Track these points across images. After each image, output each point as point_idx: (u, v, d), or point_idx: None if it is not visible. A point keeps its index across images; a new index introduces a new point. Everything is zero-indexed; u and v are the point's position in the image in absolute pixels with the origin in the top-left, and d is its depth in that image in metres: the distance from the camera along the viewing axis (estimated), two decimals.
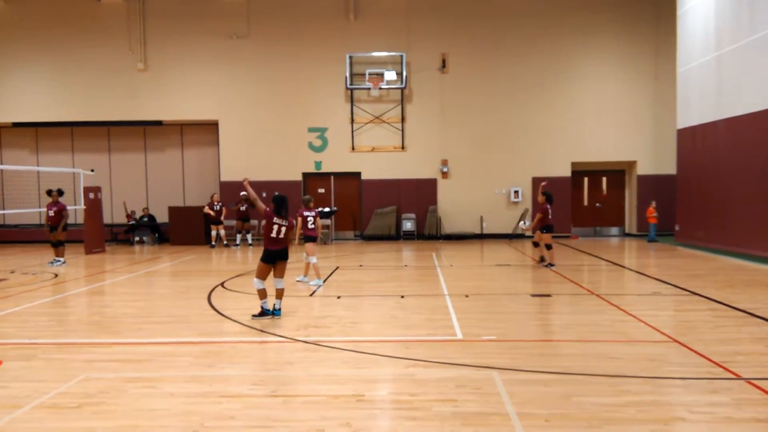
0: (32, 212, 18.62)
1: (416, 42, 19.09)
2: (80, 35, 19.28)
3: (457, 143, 19.29)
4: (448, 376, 5.08)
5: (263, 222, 7.59)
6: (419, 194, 19.32)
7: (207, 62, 19.31)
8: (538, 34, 19.07)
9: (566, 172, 19.23)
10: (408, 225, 19.15)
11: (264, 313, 7.46)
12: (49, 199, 13.89)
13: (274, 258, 7.47)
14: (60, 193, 14.02)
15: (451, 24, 19.12)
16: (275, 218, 7.47)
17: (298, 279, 10.63)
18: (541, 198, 12.33)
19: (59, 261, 13.61)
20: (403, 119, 19.31)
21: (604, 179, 20.02)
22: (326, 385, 4.92)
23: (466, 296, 8.93)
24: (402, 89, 19.01)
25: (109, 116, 19.43)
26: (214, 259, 14.86)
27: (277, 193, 7.78)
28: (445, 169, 19.27)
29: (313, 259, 10.29)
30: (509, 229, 19.25)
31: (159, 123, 19.66)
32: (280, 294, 7.62)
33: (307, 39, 19.19)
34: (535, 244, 12.71)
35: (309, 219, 10.31)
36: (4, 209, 18.10)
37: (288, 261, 7.69)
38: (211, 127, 19.79)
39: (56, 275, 11.99)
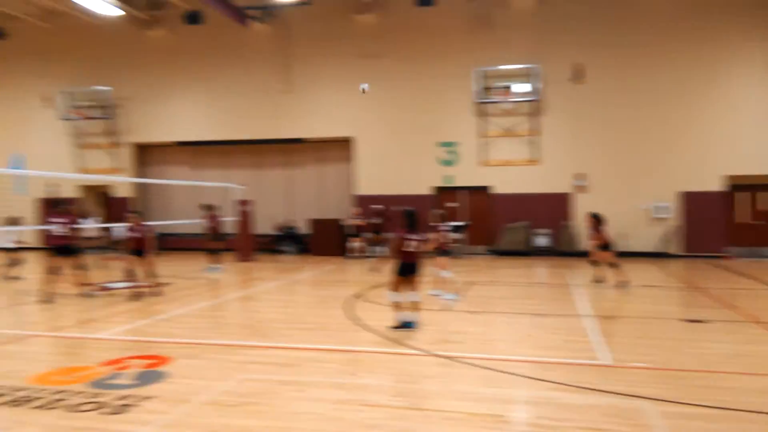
0: (191, 223, 20.58)
1: (549, 53, 18.60)
2: (231, 60, 21.11)
3: (594, 156, 18.46)
4: (594, 403, 4.90)
5: (395, 235, 7.74)
6: (553, 209, 18.71)
7: (343, 82, 20.25)
8: (682, 40, 17.76)
9: (717, 186, 17.63)
10: (541, 240, 18.61)
11: (401, 325, 7.67)
12: (207, 212, 15.29)
13: (407, 271, 7.63)
14: (211, 207, 15.35)
15: (587, 33, 18.41)
16: (407, 232, 7.62)
17: (431, 293, 10.77)
18: (590, 220, 12.05)
19: (216, 268, 14.93)
20: (536, 132, 18.87)
21: None
22: (464, 401, 4.96)
23: (609, 318, 8.52)
24: (534, 101, 18.61)
25: (257, 135, 21.03)
26: (351, 270, 15.48)
27: (407, 208, 7.91)
28: (581, 183, 18.51)
29: (447, 273, 10.37)
30: (652, 246, 18.01)
31: (300, 141, 20.94)
32: (415, 307, 7.78)
33: (436, 55, 19.47)
34: (595, 263, 12.12)
35: (441, 233, 10.37)
36: (168, 220, 20.17)
37: (422, 275, 7.84)
38: (347, 143, 20.70)
39: (213, 281, 13.15)
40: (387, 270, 7.76)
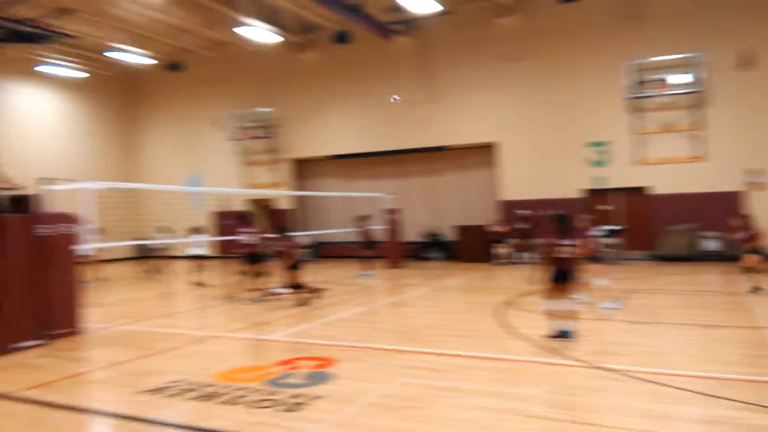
0: (344, 232, 21.64)
1: (712, 39, 16.94)
2: (376, 75, 21.92)
3: None
4: None
5: (545, 241, 7.54)
6: (722, 209, 16.95)
7: (485, 87, 20.13)
8: None
9: None
10: (710, 244, 16.97)
11: (557, 335, 7.47)
12: (360, 222, 16.15)
13: (560, 278, 7.39)
14: (364, 217, 16.23)
15: (756, 14, 16.51)
16: (558, 237, 7.39)
17: (588, 301, 10.32)
18: (740, 221, 10.77)
19: (368, 274, 15.60)
20: (699, 126, 17.29)
21: None
22: (630, 417, 4.73)
23: None
24: (696, 93, 17.06)
25: (402, 145, 21.61)
26: (499, 277, 15.32)
27: (558, 212, 7.69)
28: (756, 180, 16.60)
29: (604, 281, 9.90)
30: None
31: (442, 149, 21.15)
32: (571, 315, 7.52)
33: (582, 51, 18.61)
34: (748, 270, 10.66)
35: (591, 238, 9.95)
36: (323, 230, 21.41)
37: (575, 281, 7.56)
38: (489, 149, 20.51)
39: (365, 287, 13.73)
40: (539, 277, 7.60)
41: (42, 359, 7.45)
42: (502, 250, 17.94)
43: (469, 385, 5.73)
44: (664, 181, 17.79)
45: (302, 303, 11.01)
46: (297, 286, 11.09)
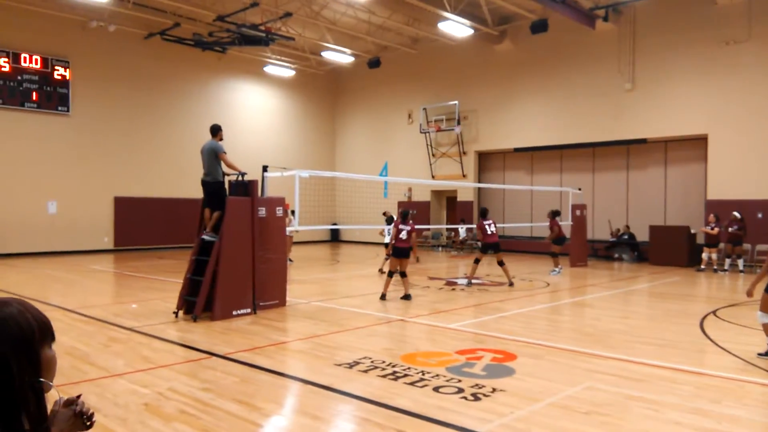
0: (526, 226, 21.19)
1: None
2: (572, 64, 20.94)
3: None
4: None
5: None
6: None
7: (696, 73, 18.15)
8: None
9: None
10: None
11: None
12: (551, 218, 15.73)
13: None
14: (555, 213, 15.74)
15: None
16: None
17: None
18: None
19: (556, 270, 15.24)
20: None
21: None
22: None
23: None
24: None
25: (594, 137, 20.45)
26: (700, 283, 13.85)
27: None
28: None
29: None
30: None
31: (643, 141, 19.57)
32: None
33: None
34: None
35: None
36: (505, 222, 21.19)
37: None
38: (699, 142, 18.50)
39: (548, 284, 13.33)
40: (757, 287, 6.73)
41: (253, 326, 8.46)
42: (710, 254, 15.99)
43: (666, 398, 5.29)
44: None
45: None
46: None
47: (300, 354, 7.10)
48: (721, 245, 16.17)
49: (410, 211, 11.29)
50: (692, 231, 17.54)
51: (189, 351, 7.05)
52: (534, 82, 22.02)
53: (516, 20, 21.47)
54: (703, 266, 16.09)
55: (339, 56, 24.57)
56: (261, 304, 9.45)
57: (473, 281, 12.92)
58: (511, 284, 12.65)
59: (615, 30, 19.78)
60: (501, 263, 12.78)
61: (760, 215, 16.47)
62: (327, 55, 24.51)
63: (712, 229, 15.80)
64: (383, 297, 10.71)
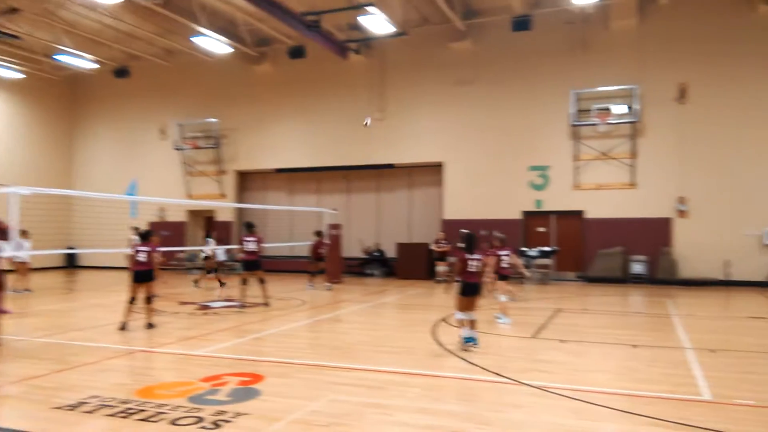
0: (285, 246, 21.36)
1: (650, 73, 17.87)
2: (328, 91, 21.96)
3: (697, 179, 17.43)
4: None
5: (457, 257, 8.19)
6: (651, 234, 17.79)
7: (435, 108, 20.50)
8: None
9: None
10: (637, 267, 17.70)
11: (464, 340, 8.05)
12: (316, 238, 16.58)
13: (470, 291, 7.98)
14: (320, 233, 16.71)
15: (690, 51, 17.54)
16: (466, 255, 7.96)
17: (496, 315, 10.72)
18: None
19: (312, 287, 16.14)
20: (633, 155, 18.11)
21: None
22: None
23: (712, 351, 7.96)
24: (633, 123, 17.90)
25: (348, 161, 21.64)
26: (437, 294, 15.43)
27: (465, 231, 8.37)
28: (682, 208, 17.50)
29: (503, 298, 10.46)
30: (763, 276, 16.63)
31: (391, 166, 21.31)
32: (474, 325, 8.10)
33: (531, 79, 19.25)
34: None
35: (503, 257, 10.53)
36: (266, 243, 21.05)
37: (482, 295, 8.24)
38: (437, 168, 20.81)
39: (304, 302, 13.56)
40: (452, 291, 8.25)
41: None
42: (441, 267, 18.16)
43: (397, 401, 5.70)
44: (597, 206, 18.49)
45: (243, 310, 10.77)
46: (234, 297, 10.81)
47: (8, 400, 6.02)
48: (452, 259, 18.38)
49: (151, 231, 10.36)
50: (430, 247, 19.56)
51: None
52: (293, 105, 22.54)
53: (275, 43, 21.81)
54: (439, 278, 18.09)
55: (78, 61, 22.05)
56: None
57: (231, 303, 12.53)
58: (266, 304, 12.56)
59: (366, 62, 21.34)
60: (261, 281, 12.65)
61: (483, 233, 19.02)
62: (63, 59, 21.78)
63: (442, 246, 18.02)
64: (123, 327, 9.74)
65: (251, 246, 12.51)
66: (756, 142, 16.90)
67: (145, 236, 10.13)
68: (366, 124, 15.53)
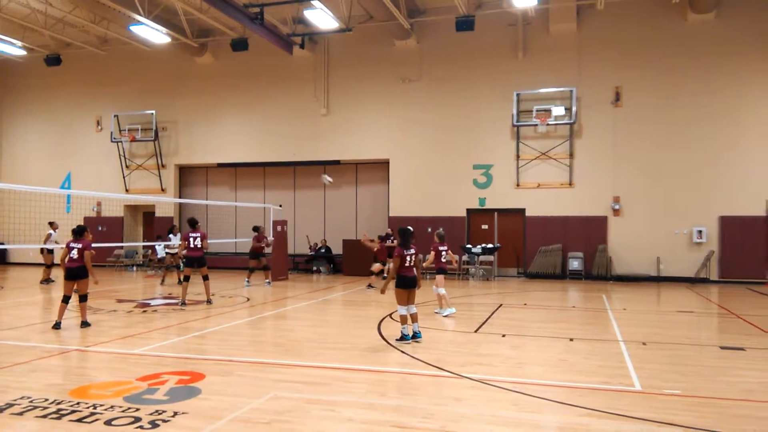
0: (229, 242, 20.97)
1: (587, 76, 18.54)
2: (273, 85, 21.66)
3: (631, 179, 18.21)
4: (626, 430, 4.82)
5: (396, 252, 8.39)
6: (587, 232, 18.47)
7: (380, 105, 20.56)
8: (722, 63, 17.49)
9: (761, 211, 17.15)
10: (575, 264, 18.36)
11: (404, 337, 8.24)
12: (254, 233, 16.14)
13: (408, 284, 8.29)
14: (258, 228, 16.27)
15: (626, 56, 18.29)
16: (404, 250, 8.26)
17: (436, 311, 11.09)
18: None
19: (253, 283, 15.88)
20: (571, 155, 18.74)
21: None
22: (495, 426, 4.93)
23: (643, 344, 8.34)
24: (571, 124, 18.52)
25: (295, 157, 21.43)
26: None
27: (403, 227, 8.68)
28: (617, 207, 18.24)
29: (442, 290, 10.80)
30: (691, 272, 17.57)
31: (337, 162, 21.24)
32: (415, 318, 8.36)
33: (474, 79, 19.59)
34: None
35: (442, 252, 10.87)
36: (209, 239, 20.60)
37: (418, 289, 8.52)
38: (383, 165, 20.89)
39: (248, 299, 13.35)
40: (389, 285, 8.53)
41: None
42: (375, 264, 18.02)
43: (343, 397, 5.71)
44: (538, 204, 19.03)
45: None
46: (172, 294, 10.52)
47: None
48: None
49: (84, 227, 9.91)
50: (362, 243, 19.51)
51: None
52: (237, 98, 22.12)
53: (216, 35, 21.32)
54: (385, 274, 18.09)
55: (6, 47, 20.88)
56: None
57: (171, 300, 12.19)
58: (209, 302, 12.31)
59: (311, 57, 21.18)
60: (205, 278, 12.44)
61: (428, 229, 19.25)
62: None
63: (372, 242, 18.02)
64: (57, 326, 9.34)
65: (196, 242, 12.25)
66: (687, 143, 17.80)
67: (79, 232, 9.72)
68: (325, 181, 15.98)
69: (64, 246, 9.75)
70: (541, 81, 18.82)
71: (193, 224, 12.62)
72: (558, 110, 18.44)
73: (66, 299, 9.47)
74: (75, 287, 9.49)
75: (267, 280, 16.27)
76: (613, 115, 18.43)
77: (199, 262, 12.35)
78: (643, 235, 18.02)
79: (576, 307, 12.71)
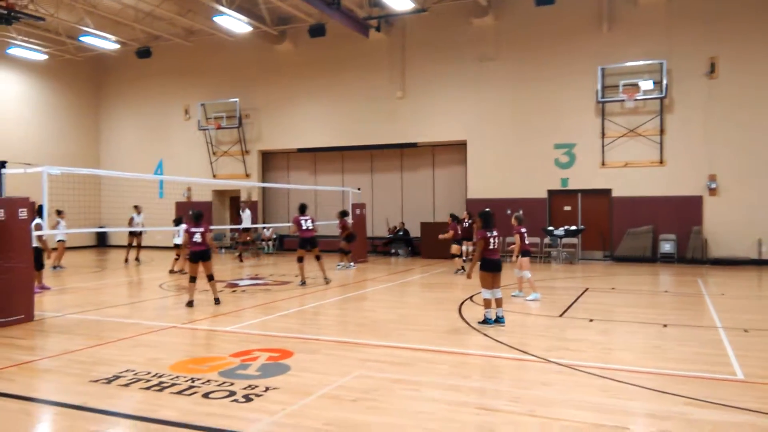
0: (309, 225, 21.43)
1: (678, 47, 17.39)
2: (350, 69, 21.81)
3: (728, 156, 16.99)
4: (730, 421, 4.55)
5: (479, 236, 8.36)
6: (680, 213, 17.45)
7: (457, 86, 20.23)
8: None
9: None
10: (666, 246, 17.42)
11: (487, 321, 8.16)
12: (339, 217, 16.50)
13: (493, 268, 8.19)
14: (344, 213, 16.63)
15: (721, 25, 16.98)
16: (488, 233, 8.20)
17: (513, 294, 10.88)
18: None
19: (341, 265, 16.25)
20: (662, 131, 17.71)
21: None
22: (585, 411, 4.79)
23: (745, 331, 7.83)
24: (661, 99, 17.47)
25: (371, 140, 21.56)
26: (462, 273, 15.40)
27: (485, 210, 8.57)
28: (713, 185, 17.11)
29: (527, 274, 10.47)
30: None
31: (414, 145, 21.18)
32: (500, 303, 8.29)
33: (555, 55, 18.86)
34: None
35: (524, 234, 10.56)
36: (290, 222, 21.25)
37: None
38: (460, 147, 20.63)
39: (330, 281, 13.61)
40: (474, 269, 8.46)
41: None
42: (468, 247, 17.82)
43: (426, 378, 5.74)
44: (625, 184, 18.16)
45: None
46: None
47: (47, 373, 6.21)
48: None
49: (201, 212, 10.52)
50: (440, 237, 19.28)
51: None
52: (315, 84, 22.46)
53: (295, 22, 21.68)
54: (464, 257, 17.92)
55: (101, 42, 22.18)
56: (4, 320, 8.09)
57: (258, 281, 12.65)
58: (303, 283, 12.68)
59: (387, 40, 21.13)
60: (318, 258, 12.95)
61: (508, 212, 18.87)
62: (86, 40, 21.91)
63: (465, 225, 17.67)
64: (190, 304, 9.95)
65: (310, 224, 12.77)
66: None
67: (197, 218, 10.33)
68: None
69: (183, 232, 10.43)
70: (628, 54, 17.85)
71: (303, 209, 13.00)
72: (646, 84, 17.45)
73: (193, 279, 10.08)
74: (200, 268, 10.08)
75: (340, 263, 16.37)
76: (708, 87, 17.22)
77: (311, 242, 12.81)
78: (742, 216, 16.83)
79: (668, 292, 12.10)
